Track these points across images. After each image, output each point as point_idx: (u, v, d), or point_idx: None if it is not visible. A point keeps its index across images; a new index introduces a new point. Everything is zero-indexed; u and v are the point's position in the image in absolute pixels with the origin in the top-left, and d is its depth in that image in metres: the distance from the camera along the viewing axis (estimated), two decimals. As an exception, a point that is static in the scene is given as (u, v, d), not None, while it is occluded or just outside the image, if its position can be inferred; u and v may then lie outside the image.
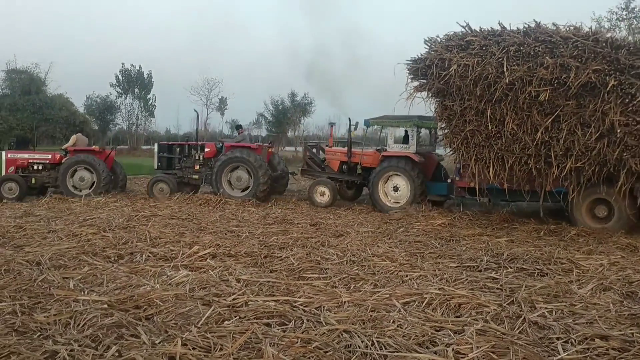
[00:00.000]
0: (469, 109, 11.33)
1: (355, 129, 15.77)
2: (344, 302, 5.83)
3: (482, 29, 11.29)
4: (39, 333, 4.76)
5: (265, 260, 7.89)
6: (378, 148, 15.93)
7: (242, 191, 15.30)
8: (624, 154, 10.22)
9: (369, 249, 8.66)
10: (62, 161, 15.68)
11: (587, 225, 11.16)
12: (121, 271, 7.00)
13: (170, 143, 17.47)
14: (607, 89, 9.97)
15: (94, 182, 15.45)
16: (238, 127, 18.66)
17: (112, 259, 7.79)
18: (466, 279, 7.01)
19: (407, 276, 7.13)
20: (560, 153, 10.78)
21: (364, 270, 7.38)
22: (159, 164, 16.70)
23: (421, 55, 11.83)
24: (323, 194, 14.90)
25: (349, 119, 16.40)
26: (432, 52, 11.56)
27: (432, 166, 14.95)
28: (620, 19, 29.56)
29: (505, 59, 10.57)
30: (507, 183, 11.65)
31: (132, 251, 8.23)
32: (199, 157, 16.19)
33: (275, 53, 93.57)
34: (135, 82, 68.44)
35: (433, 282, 6.80)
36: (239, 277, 6.78)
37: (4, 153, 15.95)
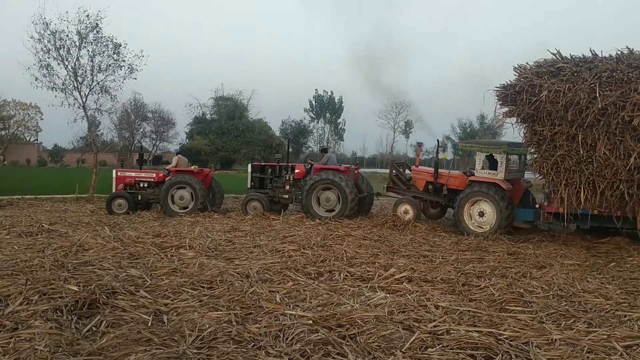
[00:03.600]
0: (559, 134, 11.29)
1: (444, 150, 15.47)
2: (555, 339, 5.41)
3: (573, 56, 11.29)
4: (252, 343, 5.05)
5: (463, 288, 7.63)
6: (465, 171, 15.66)
7: (328, 211, 15.62)
8: None
9: (578, 284, 7.98)
10: (165, 180, 16.64)
11: None
12: (322, 288, 7.22)
13: (262, 164, 18.15)
14: None
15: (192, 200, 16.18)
16: (323, 150, 18.94)
17: (313, 275, 8.09)
18: (699, 325, 6.12)
19: (625, 316, 6.47)
20: None
21: (575, 307, 6.81)
22: (252, 183, 17.43)
23: (510, 81, 11.87)
24: (407, 212, 14.96)
25: (438, 140, 16.99)
26: (522, 79, 11.58)
27: (519, 193, 14.54)
28: None
29: (597, 84, 10.52)
30: (597, 208, 11.59)
31: (330, 269, 8.48)
32: (289, 177, 16.79)
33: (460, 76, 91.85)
34: (327, 107, 72.03)
35: (658, 326, 6.04)
36: (437, 304, 6.63)
37: (114, 171, 17.21)
